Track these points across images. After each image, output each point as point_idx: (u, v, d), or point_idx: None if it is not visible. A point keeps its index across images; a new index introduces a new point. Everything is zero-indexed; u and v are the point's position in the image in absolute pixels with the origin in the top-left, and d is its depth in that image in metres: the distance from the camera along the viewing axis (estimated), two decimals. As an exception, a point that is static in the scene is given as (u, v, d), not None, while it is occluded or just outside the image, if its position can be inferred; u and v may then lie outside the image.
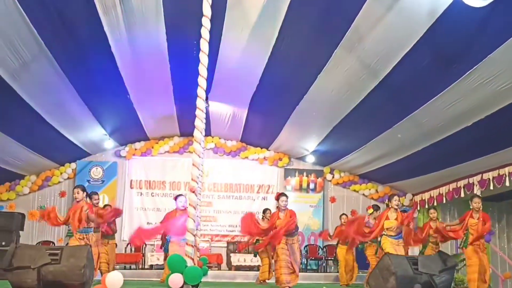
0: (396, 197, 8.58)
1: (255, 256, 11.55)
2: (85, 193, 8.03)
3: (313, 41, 8.26)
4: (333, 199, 15.40)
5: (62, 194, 14.57)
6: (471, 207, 8.80)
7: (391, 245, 8.15)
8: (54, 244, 13.47)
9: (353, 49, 8.06)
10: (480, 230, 8.58)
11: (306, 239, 14.89)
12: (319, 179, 15.35)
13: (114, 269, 10.08)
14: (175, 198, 8.98)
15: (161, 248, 10.77)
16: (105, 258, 9.58)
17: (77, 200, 8.00)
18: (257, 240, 10.33)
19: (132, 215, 14.76)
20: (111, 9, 7.59)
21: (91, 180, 14.53)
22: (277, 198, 8.92)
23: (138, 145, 15.07)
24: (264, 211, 11.20)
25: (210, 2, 6.12)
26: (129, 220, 14.67)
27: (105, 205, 10.94)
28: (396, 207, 8.42)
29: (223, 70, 9.89)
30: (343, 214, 11.60)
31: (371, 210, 11.65)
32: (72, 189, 13.65)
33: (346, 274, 10.98)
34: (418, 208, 14.07)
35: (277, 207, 9.01)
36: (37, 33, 7.56)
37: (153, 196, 15.02)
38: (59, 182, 14.59)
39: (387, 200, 9.41)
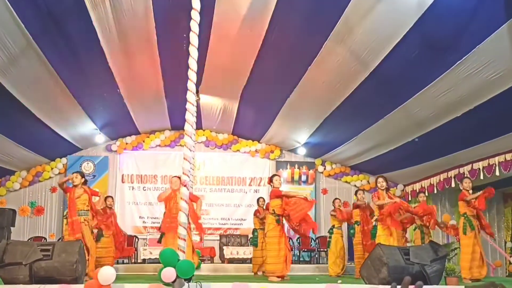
0: (380, 179, 8.63)
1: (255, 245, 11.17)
2: (83, 179, 8.49)
3: (303, 33, 8.25)
4: (325, 191, 15.45)
5: (53, 190, 14.50)
6: (461, 187, 8.97)
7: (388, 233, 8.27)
8: (46, 240, 13.43)
9: (343, 40, 8.06)
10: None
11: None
12: (311, 171, 15.39)
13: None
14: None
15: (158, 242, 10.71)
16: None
17: (75, 184, 8.36)
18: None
19: (124, 209, 14.73)
20: (100, 3, 7.54)
21: (83, 175, 14.45)
22: (270, 180, 9.05)
23: (129, 139, 15.03)
24: (258, 199, 11.18)
25: (199, -5, 6.11)
26: (120, 214, 14.60)
27: (106, 196, 10.96)
28: (382, 188, 8.50)
29: (213, 63, 9.87)
30: (336, 198, 11.46)
31: (355, 197, 11.64)
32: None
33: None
34: (410, 199, 14.14)
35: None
36: (25, 28, 7.50)
37: (145, 190, 15.01)
38: (50, 177, 14.53)
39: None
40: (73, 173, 8.72)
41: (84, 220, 8.31)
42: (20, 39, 7.74)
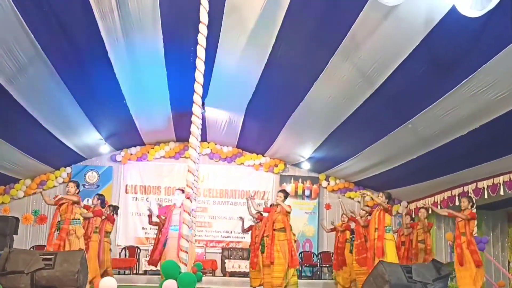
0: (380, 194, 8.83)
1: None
2: (77, 190, 8.40)
3: (310, 48, 8.28)
4: (328, 206, 15.40)
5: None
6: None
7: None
8: (48, 249, 13.40)
9: (349, 57, 8.08)
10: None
11: (301, 246, 14.87)
12: (315, 186, 15.35)
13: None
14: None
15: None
16: None
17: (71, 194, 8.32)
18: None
19: (127, 220, 14.73)
20: (108, 14, 7.60)
21: (86, 184, 14.48)
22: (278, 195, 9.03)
23: (133, 150, 15.06)
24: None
25: (207, 8, 6.16)
26: (123, 225, 14.64)
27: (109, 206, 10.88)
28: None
29: (220, 76, 9.91)
30: (344, 214, 11.58)
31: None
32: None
33: None
34: (413, 216, 14.07)
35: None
36: (34, 37, 7.55)
37: (148, 201, 14.99)
38: (54, 186, 14.53)
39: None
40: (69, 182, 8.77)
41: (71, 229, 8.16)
42: (29, 48, 7.78)
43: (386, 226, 8.51)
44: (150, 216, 10.98)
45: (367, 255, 8.89)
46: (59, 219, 8.18)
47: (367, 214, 10.11)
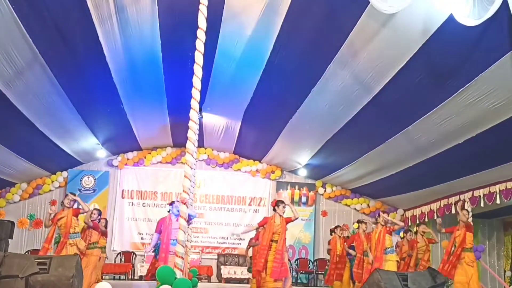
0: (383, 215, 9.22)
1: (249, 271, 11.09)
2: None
3: (307, 55, 8.30)
4: (324, 213, 15.40)
5: (53, 203, 14.47)
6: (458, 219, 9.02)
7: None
8: (43, 253, 13.36)
9: (347, 64, 8.11)
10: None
11: (297, 253, 14.86)
12: (311, 193, 15.36)
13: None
14: (171, 204, 8.70)
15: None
16: None
17: (67, 207, 8.53)
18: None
19: (123, 225, 14.71)
20: (107, 20, 7.60)
21: (83, 189, 14.46)
22: (276, 205, 8.84)
23: (130, 154, 15.05)
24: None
25: (206, 14, 6.17)
26: (119, 230, 14.62)
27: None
28: (383, 223, 9.17)
29: (217, 82, 9.92)
30: (338, 226, 11.49)
31: (356, 225, 11.66)
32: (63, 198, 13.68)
33: None
34: (409, 224, 14.09)
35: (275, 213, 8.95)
36: (32, 42, 7.54)
37: (145, 206, 14.98)
38: (50, 190, 14.52)
39: (377, 216, 9.57)
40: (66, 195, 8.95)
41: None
42: (27, 52, 7.78)
43: (386, 248, 8.79)
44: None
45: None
46: (58, 233, 8.47)
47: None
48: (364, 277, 8.96)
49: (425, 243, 10.68)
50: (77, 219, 8.66)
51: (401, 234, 11.39)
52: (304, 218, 15.10)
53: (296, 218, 8.79)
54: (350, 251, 10.68)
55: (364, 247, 10.01)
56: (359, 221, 10.94)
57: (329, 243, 11.60)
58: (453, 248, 8.95)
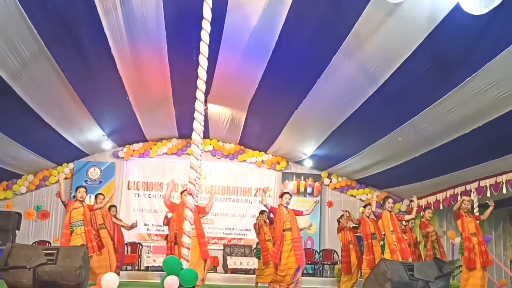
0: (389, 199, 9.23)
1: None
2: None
3: (312, 46, 8.27)
4: (330, 204, 15.41)
5: (59, 194, 14.49)
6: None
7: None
8: (50, 244, 13.45)
9: (352, 55, 8.07)
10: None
11: (303, 243, 14.84)
12: (317, 184, 15.36)
13: None
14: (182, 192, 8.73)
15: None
16: None
17: (80, 200, 8.91)
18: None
19: (129, 216, 14.73)
20: (112, 11, 7.59)
21: (89, 180, 14.51)
22: (282, 196, 9.16)
23: (136, 146, 15.08)
24: (261, 212, 11.05)
25: (211, 5, 6.15)
26: (125, 220, 14.57)
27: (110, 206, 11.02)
28: (390, 209, 9.10)
29: (223, 73, 9.90)
30: (342, 215, 11.39)
31: (362, 209, 11.76)
32: (69, 189, 13.75)
33: None
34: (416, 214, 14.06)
35: (279, 204, 9.09)
36: (38, 34, 7.55)
37: (150, 197, 15.03)
38: (57, 182, 14.55)
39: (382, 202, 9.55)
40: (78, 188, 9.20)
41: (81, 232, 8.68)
42: (32, 44, 7.80)
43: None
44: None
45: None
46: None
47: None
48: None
49: (433, 228, 10.79)
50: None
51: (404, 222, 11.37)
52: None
53: (307, 214, 9.01)
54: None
55: (370, 230, 9.93)
56: (365, 206, 10.97)
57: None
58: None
